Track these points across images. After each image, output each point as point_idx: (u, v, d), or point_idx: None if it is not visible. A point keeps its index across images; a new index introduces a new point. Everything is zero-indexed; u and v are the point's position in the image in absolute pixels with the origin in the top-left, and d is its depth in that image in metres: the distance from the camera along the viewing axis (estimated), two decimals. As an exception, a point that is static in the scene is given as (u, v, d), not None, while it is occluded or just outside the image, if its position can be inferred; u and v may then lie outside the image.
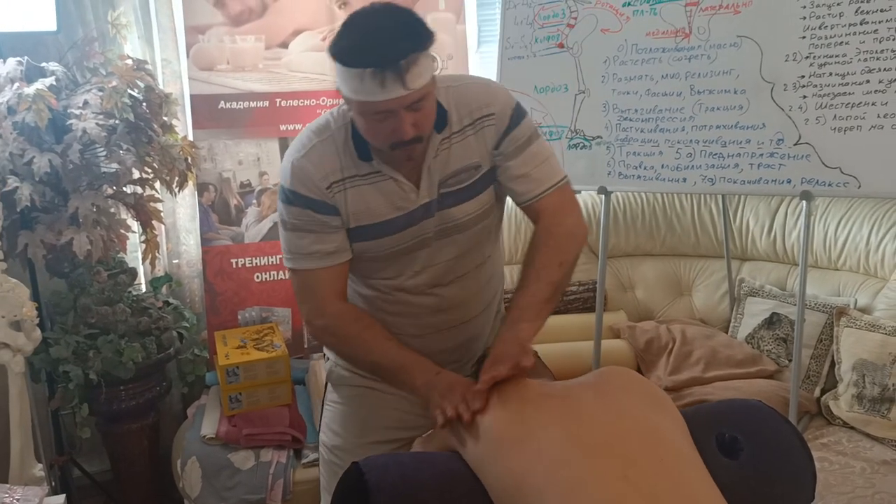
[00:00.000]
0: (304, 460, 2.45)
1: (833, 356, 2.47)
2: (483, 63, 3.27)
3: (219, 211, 2.81)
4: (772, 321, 2.70)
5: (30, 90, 2.15)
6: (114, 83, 2.29)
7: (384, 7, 1.31)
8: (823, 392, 2.49)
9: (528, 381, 1.28)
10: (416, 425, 1.55)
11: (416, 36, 1.27)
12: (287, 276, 2.83)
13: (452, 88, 1.45)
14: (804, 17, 2.06)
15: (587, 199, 3.14)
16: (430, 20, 2.91)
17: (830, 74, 2.03)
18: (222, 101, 2.76)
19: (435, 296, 1.54)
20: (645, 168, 2.40)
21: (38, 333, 2.03)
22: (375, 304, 1.57)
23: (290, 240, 1.46)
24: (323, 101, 2.85)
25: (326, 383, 1.72)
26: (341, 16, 2.84)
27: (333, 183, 1.42)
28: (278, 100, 2.80)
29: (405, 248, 1.47)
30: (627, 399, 1.21)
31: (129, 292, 2.65)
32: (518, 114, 1.48)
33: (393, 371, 1.44)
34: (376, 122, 1.31)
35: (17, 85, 2.19)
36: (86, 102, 2.24)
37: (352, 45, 1.27)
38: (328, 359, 1.68)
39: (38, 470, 2.02)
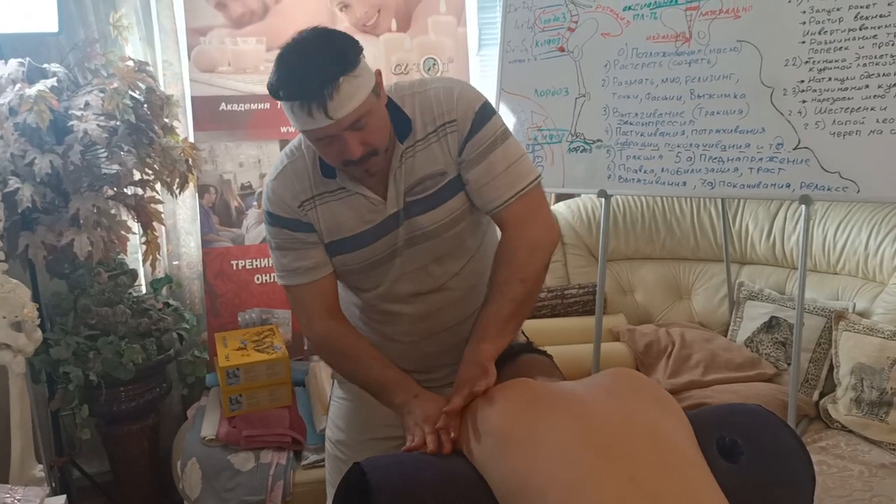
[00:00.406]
0: (303, 462, 2.45)
1: (832, 360, 2.48)
2: (483, 66, 3.28)
3: (219, 212, 2.82)
4: (771, 325, 2.70)
5: (31, 91, 2.16)
6: (115, 84, 2.29)
7: (310, 35, 1.31)
8: (822, 395, 2.50)
9: (535, 381, 1.28)
10: None
11: (340, 61, 1.27)
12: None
13: (418, 94, 1.44)
14: (804, 23, 2.06)
15: (587, 202, 3.15)
16: (431, 23, 2.95)
17: (830, 79, 2.03)
18: (223, 103, 2.77)
19: (418, 303, 1.55)
20: (645, 172, 2.40)
21: (38, 334, 2.03)
22: (367, 312, 1.60)
23: (277, 258, 1.53)
24: (324, 103, 2.86)
25: (333, 379, 1.76)
26: (343, 18, 2.85)
27: (304, 202, 1.46)
28: (279, 102, 2.80)
29: (378, 259, 1.49)
30: (636, 401, 1.22)
31: (130, 293, 2.65)
32: (481, 117, 1.43)
33: (376, 389, 1.49)
34: (323, 146, 1.35)
35: (18, 86, 2.20)
36: (87, 104, 2.25)
37: (278, 79, 1.30)
38: None
39: (39, 471, 2.03)
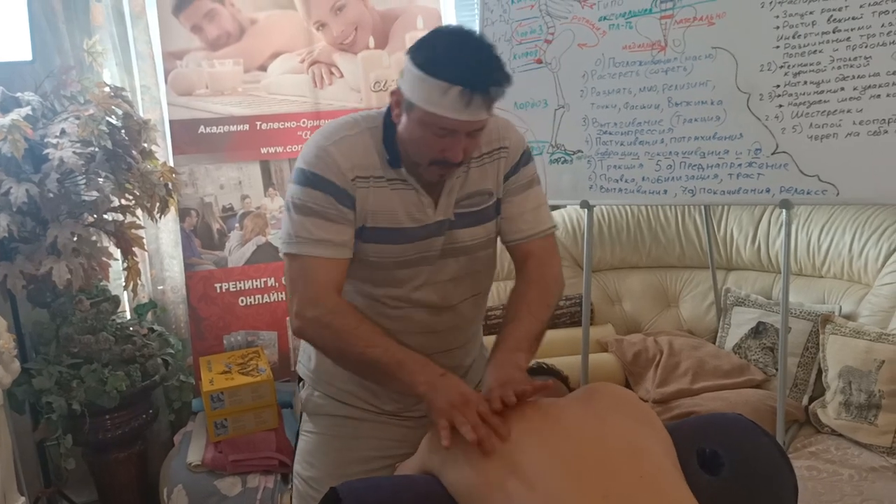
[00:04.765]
0: (291, 485, 2.42)
1: (820, 364, 2.47)
2: (463, 80, 3.27)
3: (201, 236, 2.80)
4: (758, 330, 2.69)
5: (5, 121, 2.15)
6: (91, 111, 2.28)
7: (472, 32, 1.32)
8: (811, 400, 2.49)
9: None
10: (395, 454, 1.53)
11: (504, 70, 1.30)
12: (272, 300, 2.85)
13: None
14: (777, 27, 2.07)
15: (572, 213, 3.15)
16: (408, 39, 2.94)
17: (805, 83, 2.04)
18: (202, 126, 2.76)
19: (430, 315, 1.51)
20: (626, 181, 2.40)
21: (16, 365, 2.01)
22: (374, 307, 1.50)
23: (300, 223, 1.40)
24: (303, 122, 2.85)
25: (301, 413, 1.67)
26: (319, 38, 2.84)
27: (359, 177, 1.41)
28: (258, 123, 2.80)
29: (411, 259, 1.46)
30: (613, 415, 1.20)
31: (113, 320, 2.62)
32: (527, 156, 1.56)
33: (391, 368, 1.33)
34: (433, 137, 1.32)
35: (-8, 116, 2.18)
36: (63, 131, 2.23)
37: (447, 58, 1.27)
38: (304, 385, 1.65)
39: (21, 503, 2.00)
